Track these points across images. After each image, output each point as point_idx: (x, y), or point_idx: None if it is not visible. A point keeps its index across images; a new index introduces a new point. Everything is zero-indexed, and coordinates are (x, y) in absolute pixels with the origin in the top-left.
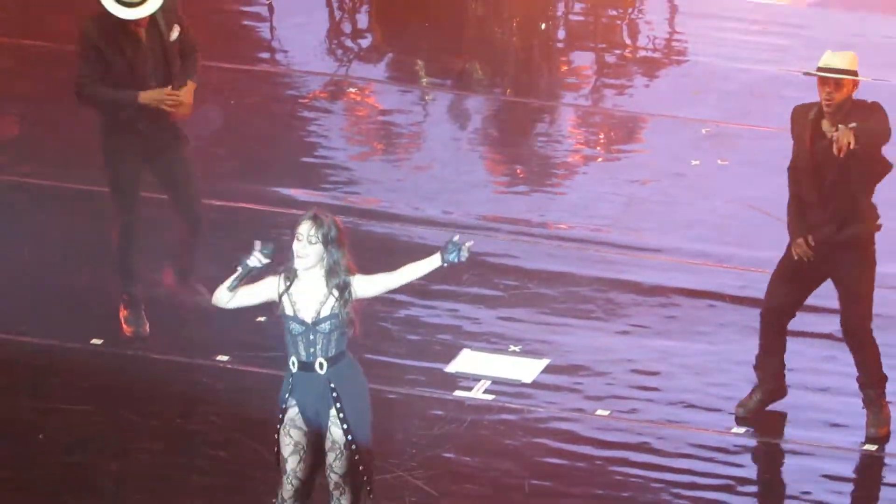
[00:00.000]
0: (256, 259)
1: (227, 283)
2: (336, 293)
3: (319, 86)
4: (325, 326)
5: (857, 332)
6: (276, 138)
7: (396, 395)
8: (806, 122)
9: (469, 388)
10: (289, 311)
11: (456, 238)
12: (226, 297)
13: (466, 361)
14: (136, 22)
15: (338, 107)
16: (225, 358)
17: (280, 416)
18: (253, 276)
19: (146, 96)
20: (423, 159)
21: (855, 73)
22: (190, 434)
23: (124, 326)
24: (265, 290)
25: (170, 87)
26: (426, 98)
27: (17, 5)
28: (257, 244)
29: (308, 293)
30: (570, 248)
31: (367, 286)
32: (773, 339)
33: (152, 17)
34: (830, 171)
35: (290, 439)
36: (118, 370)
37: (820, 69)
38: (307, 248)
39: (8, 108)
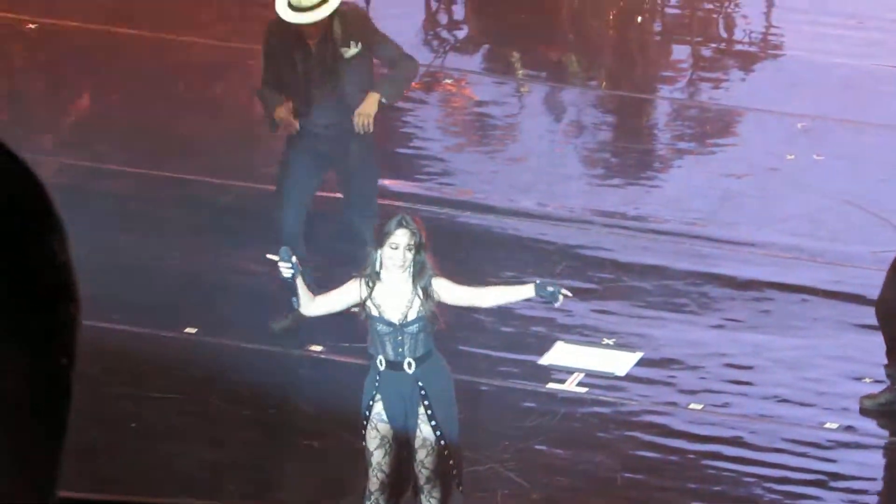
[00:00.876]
0: (286, 269)
1: (295, 301)
2: (422, 295)
3: (415, 77)
4: (413, 328)
5: None
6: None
7: (489, 387)
8: None
9: (562, 381)
10: (374, 313)
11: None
12: (306, 309)
13: (560, 354)
14: (308, 32)
15: (433, 98)
16: (319, 348)
17: (366, 411)
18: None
19: (279, 111)
20: (517, 151)
21: None
22: (283, 424)
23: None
24: (347, 295)
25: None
26: (521, 90)
27: None
28: (274, 257)
29: (394, 296)
30: (665, 242)
31: (448, 293)
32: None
33: (327, 28)
34: None
35: (377, 433)
36: (211, 359)
37: None
38: (406, 255)
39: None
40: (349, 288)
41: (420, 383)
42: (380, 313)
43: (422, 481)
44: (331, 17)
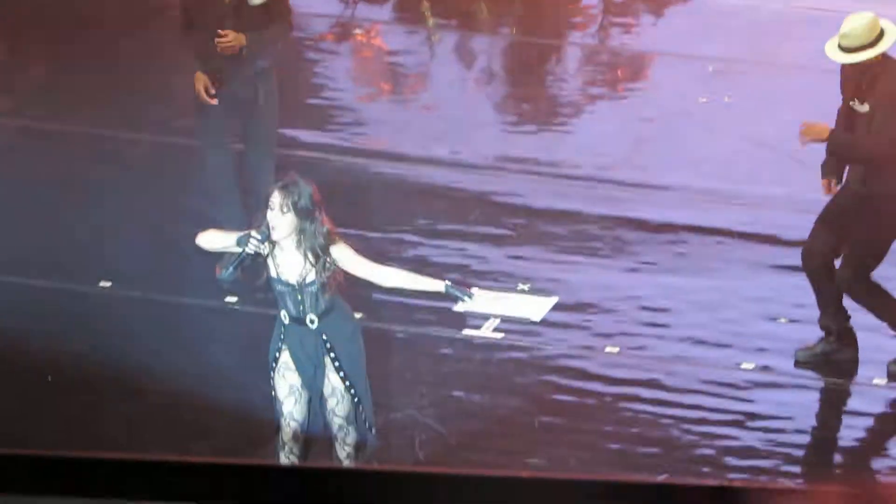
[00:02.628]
0: (253, 246)
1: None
2: (312, 260)
3: (325, 27)
4: (313, 287)
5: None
6: (282, 80)
7: (405, 334)
8: None
9: (478, 327)
10: (273, 274)
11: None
12: (207, 241)
13: (476, 300)
14: None
15: (344, 48)
16: (234, 299)
17: (273, 362)
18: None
19: (198, 83)
20: (429, 100)
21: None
22: (200, 376)
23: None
24: (228, 239)
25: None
26: (432, 38)
27: None
28: (252, 232)
29: (289, 258)
30: (578, 187)
31: (349, 262)
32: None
33: None
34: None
35: (285, 381)
36: (127, 312)
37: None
38: (279, 217)
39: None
40: (235, 236)
41: (324, 336)
42: (277, 274)
43: (334, 429)
44: None
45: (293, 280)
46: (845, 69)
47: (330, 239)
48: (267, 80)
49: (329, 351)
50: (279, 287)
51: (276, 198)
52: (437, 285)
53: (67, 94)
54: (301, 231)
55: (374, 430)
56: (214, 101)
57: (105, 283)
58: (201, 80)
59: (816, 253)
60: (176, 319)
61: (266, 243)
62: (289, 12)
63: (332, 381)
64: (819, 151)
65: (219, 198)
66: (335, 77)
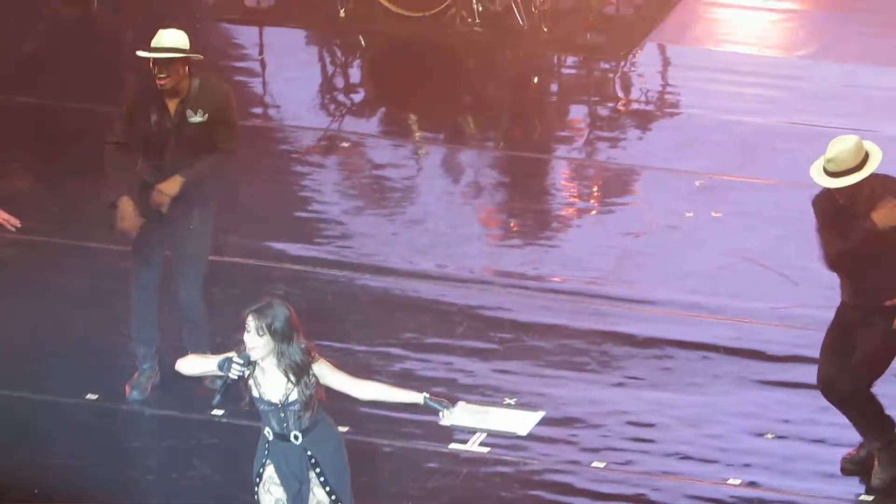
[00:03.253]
0: (237, 371)
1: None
2: (293, 379)
3: (312, 140)
4: (295, 406)
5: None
6: (269, 193)
7: (391, 447)
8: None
9: (464, 441)
10: (255, 394)
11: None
12: (187, 367)
13: (461, 414)
14: (169, 94)
15: (331, 161)
16: (221, 413)
17: (257, 477)
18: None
19: (124, 205)
20: (416, 213)
21: None
22: (186, 489)
23: (127, 387)
24: (208, 364)
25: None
26: (419, 152)
27: (11, 63)
28: (234, 355)
29: (271, 378)
30: (564, 301)
31: (330, 378)
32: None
33: (186, 94)
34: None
35: (271, 496)
36: (113, 425)
37: None
38: (255, 339)
39: (9, 163)
40: (215, 361)
41: (308, 452)
42: (259, 394)
43: None
44: (192, 82)
45: (276, 399)
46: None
47: (309, 358)
48: (205, 204)
49: (314, 466)
50: (262, 406)
51: (251, 321)
52: (416, 397)
53: (54, 206)
54: (279, 353)
55: None
56: (133, 231)
57: (92, 396)
58: (125, 214)
59: (831, 377)
60: (163, 431)
61: (249, 365)
62: (232, 136)
63: (318, 496)
64: (804, 267)
65: (138, 312)
66: (321, 190)
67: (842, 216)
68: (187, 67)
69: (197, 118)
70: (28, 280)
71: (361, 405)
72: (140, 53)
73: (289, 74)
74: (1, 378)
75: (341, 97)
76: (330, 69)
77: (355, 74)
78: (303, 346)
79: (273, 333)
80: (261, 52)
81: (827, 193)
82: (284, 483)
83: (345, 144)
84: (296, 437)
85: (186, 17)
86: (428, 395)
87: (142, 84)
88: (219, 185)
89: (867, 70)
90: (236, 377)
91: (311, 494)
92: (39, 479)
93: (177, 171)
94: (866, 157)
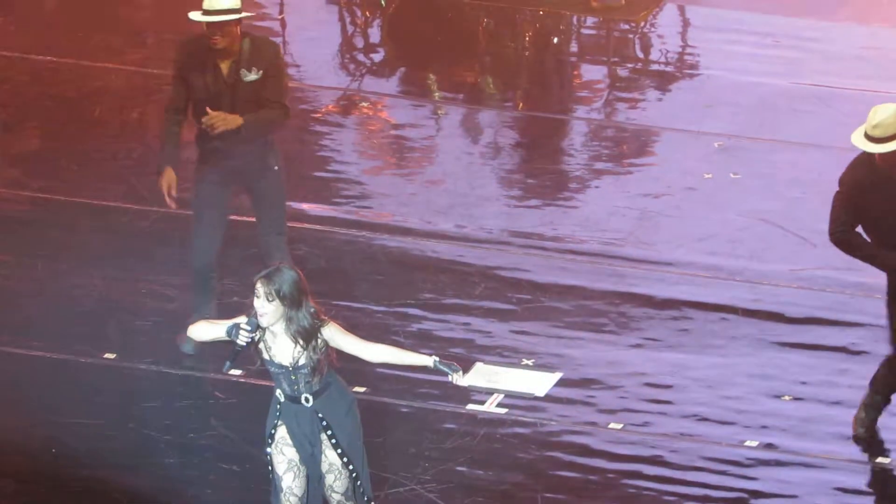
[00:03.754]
0: (245, 338)
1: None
2: (302, 343)
3: (332, 100)
4: (305, 370)
5: None
6: (288, 153)
7: (409, 408)
8: None
9: (482, 402)
10: (266, 357)
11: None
12: (198, 332)
13: (479, 375)
14: (221, 54)
15: (350, 121)
16: (238, 372)
17: (269, 438)
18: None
19: (167, 176)
20: (435, 173)
21: None
22: (203, 448)
23: (177, 338)
24: (218, 330)
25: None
26: (438, 112)
27: (36, 22)
28: (242, 321)
29: (280, 342)
30: (583, 262)
31: (341, 341)
32: None
33: (237, 53)
34: None
35: (284, 457)
36: (131, 384)
37: None
38: (265, 305)
39: (26, 123)
40: (226, 325)
41: (320, 414)
42: (270, 357)
43: (335, 500)
44: (243, 42)
45: (286, 362)
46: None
47: (318, 321)
48: (273, 153)
49: (325, 429)
50: (273, 369)
51: (260, 287)
52: (426, 360)
53: (73, 165)
54: (288, 317)
55: None
56: (173, 205)
57: (109, 355)
58: (167, 180)
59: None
60: (182, 391)
61: (257, 330)
62: (285, 91)
63: (330, 458)
64: (823, 230)
65: (195, 279)
66: (341, 150)
67: (878, 187)
68: (238, 27)
69: (252, 76)
70: (44, 239)
71: (377, 366)
72: (192, 16)
73: (308, 34)
74: (17, 337)
75: (361, 57)
76: (349, 29)
77: (375, 34)
78: (312, 310)
79: (282, 298)
80: (281, 12)
81: (861, 164)
82: (297, 445)
83: (364, 104)
84: (307, 400)
85: None
86: (438, 359)
87: (191, 46)
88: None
89: (890, 32)
90: (244, 344)
91: (322, 457)
92: (55, 439)
93: (238, 135)
94: None
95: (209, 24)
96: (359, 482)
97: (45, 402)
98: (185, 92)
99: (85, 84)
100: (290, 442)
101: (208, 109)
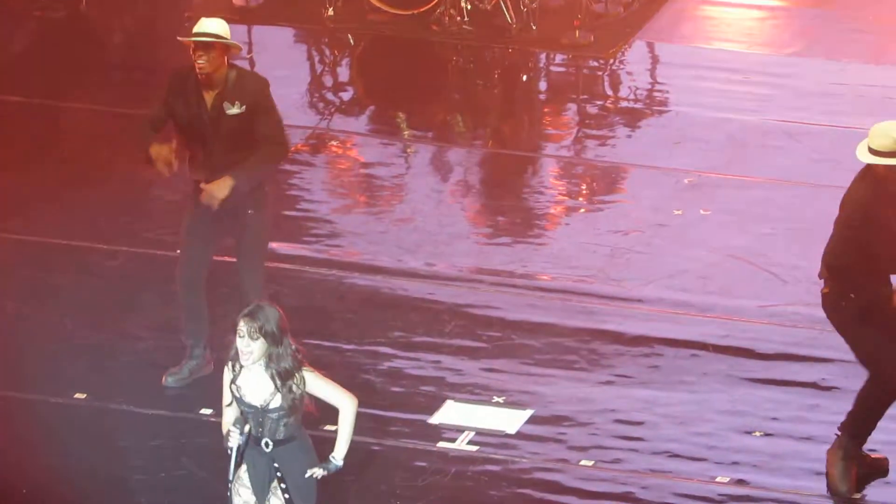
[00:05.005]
0: (236, 440)
1: (231, 474)
2: (279, 382)
3: (301, 139)
4: (275, 414)
5: None
6: None
7: (380, 446)
8: None
9: (453, 440)
10: (237, 395)
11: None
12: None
13: (450, 413)
14: (207, 84)
15: (319, 160)
16: (209, 411)
17: (230, 476)
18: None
19: (154, 149)
20: (404, 212)
21: None
22: (172, 489)
23: (164, 376)
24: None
25: (174, 144)
26: (408, 150)
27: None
28: (229, 431)
29: (256, 382)
30: (553, 299)
31: (317, 386)
32: None
33: (224, 84)
34: None
35: (240, 498)
36: (100, 424)
37: None
38: (250, 344)
39: None
40: (226, 379)
41: (276, 464)
42: (241, 395)
43: None
44: (229, 73)
45: (257, 403)
46: None
47: (298, 362)
48: (259, 194)
49: (280, 480)
50: (243, 407)
51: (243, 325)
52: (337, 453)
53: (42, 205)
54: (269, 355)
55: None
56: (166, 174)
57: (80, 395)
58: (156, 150)
59: None
60: (152, 431)
61: (231, 368)
62: (275, 125)
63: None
64: (793, 266)
65: (186, 308)
66: (310, 189)
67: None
68: (225, 58)
69: (234, 109)
70: (17, 279)
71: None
72: (180, 38)
73: (278, 73)
74: None
75: (330, 95)
76: (318, 67)
77: (344, 73)
78: (293, 348)
79: (265, 335)
80: (249, 51)
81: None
82: (253, 485)
83: (333, 143)
84: (266, 445)
85: (175, 16)
86: (338, 462)
87: (180, 75)
88: (269, 174)
89: (856, 67)
90: (239, 444)
91: (267, 501)
92: (25, 478)
93: (220, 164)
94: None
95: (195, 45)
96: None
97: (17, 441)
98: (166, 116)
99: (54, 123)
100: (246, 483)
101: (202, 186)
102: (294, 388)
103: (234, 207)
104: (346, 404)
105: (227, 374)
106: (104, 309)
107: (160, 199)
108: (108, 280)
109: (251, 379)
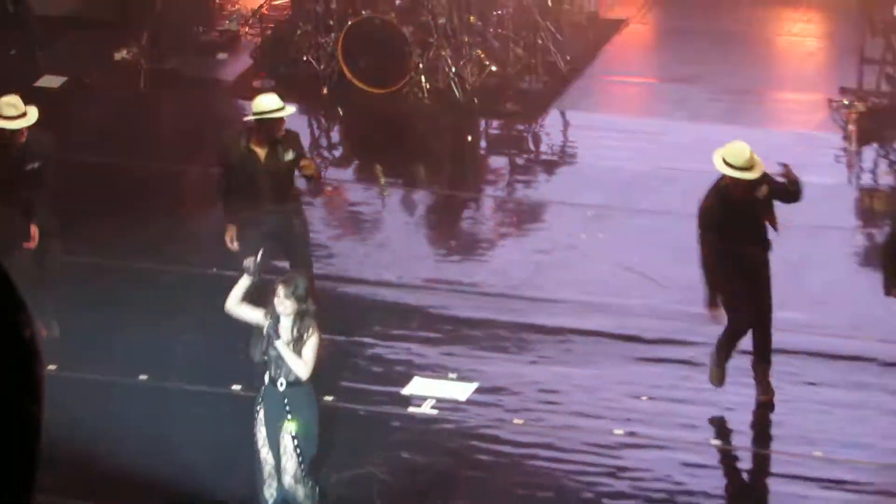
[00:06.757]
0: (249, 272)
1: (237, 292)
2: (297, 335)
3: (303, 185)
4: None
5: None
6: None
7: (365, 411)
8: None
9: (419, 405)
10: (268, 342)
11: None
12: (229, 304)
13: (417, 386)
14: (260, 146)
15: (318, 201)
16: (238, 387)
17: (255, 415)
18: (254, 295)
19: (228, 234)
20: (382, 238)
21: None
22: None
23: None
24: (255, 315)
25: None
26: (384, 193)
27: (79, 131)
28: (248, 262)
29: (283, 329)
30: (491, 301)
31: (308, 345)
32: None
33: (274, 146)
34: None
35: (261, 434)
36: (163, 398)
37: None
38: (284, 301)
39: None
40: (259, 313)
41: (286, 400)
42: (270, 343)
43: (285, 483)
44: (276, 131)
45: (279, 349)
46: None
47: (314, 322)
48: (299, 214)
49: (287, 413)
50: (271, 351)
51: (281, 288)
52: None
53: (106, 235)
54: (297, 311)
55: (317, 490)
56: (236, 247)
57: (143, 376)
58: (230, 231)
59: None
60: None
61: (270, 316)
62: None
63: (285, 441)
64: (668, 275)
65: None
66: (312, 221)
67: (733, 207)
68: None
69: (289, 156)
70: (97, 293)
71: (345, 379)
72: (252, 118)
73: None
74: (72, 363)
75: (326, 153)
76: (317, 132)
77: (335, 136)
78: (314, 308)
79: (297, 298)
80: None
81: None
82: (268, 423)
83: (328, 188)
84: (280, 385)
85: (214, 94)
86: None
87: (233, 140)
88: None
89: (712, 127)
90: (255, 273)
91: (280, 439)
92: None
93: (279, 201)
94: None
95: (271, 120)
96: (303, 467)
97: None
98: (232, 177)
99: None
100: (265, 423)
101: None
102: (304, 336)
103: (282, 220)
104: (301, 371)
105: (265, 319)
106: (161, 312)
107: (201, 228)
108: (164, 291)
109: (280, 327)
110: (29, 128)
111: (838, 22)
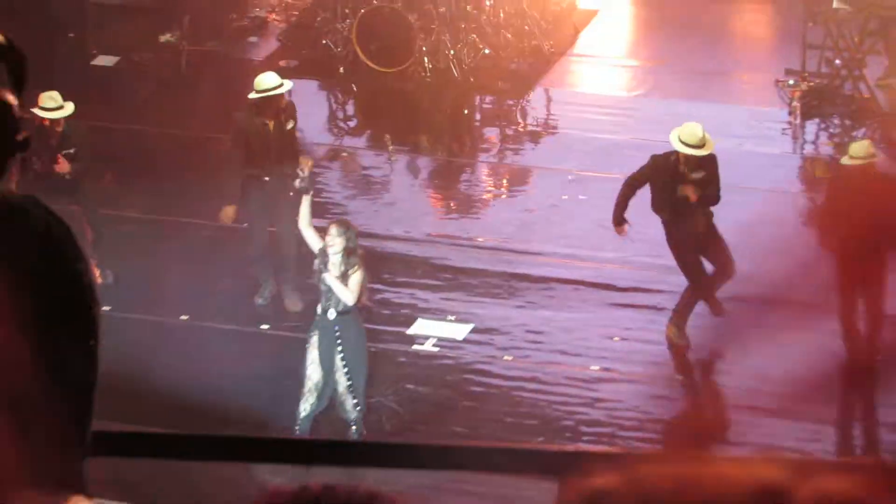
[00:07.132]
0: (306, 185)
1: (305, 211)
2: (343, 270)
3: (323, 152)
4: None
5: None
6: None
7: (376, 348)
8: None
9: (422, 343)
10: (321, 276)
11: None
12: (306, 223)
13: (420, 326)
14: (268, 115)
15: (335, 165)
16: (266, 326)
17: (309, 339)
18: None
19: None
20: (390, 198)
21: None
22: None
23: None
24: (317, 241)
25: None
26: (392, 159)
27: (131, 104)
28: (300, 181)
29: (333, 265)
30: (485, 253)
31: (353, 278)
32: None
33: (279, 113)
34: None
35: (311, 356)
36: (201, 338)
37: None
38: (335, 240)
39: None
40: (319, 242)
41: (336, 328)
42: (322, 277)
43: (337, 395)
44: (280, 104)
45: (329, 283)
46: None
47: (359, 260)
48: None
49: (338, 341)
50: (322, 286)
51: (333, 228)
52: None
53: (152, 192)
54: (345, 249)
55: (360, 407)
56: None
57: (184, 317)
58: (228, 211)
59: None
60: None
61: (322, 254)
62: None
63: (336, 362)
64: (638, 231)
65: (257, 261)
66: (329, 184)
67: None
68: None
69: (290, 125)
70: (144, 245)
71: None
72: (258, 95)
73: (307, 110)
74: (124, 305)
75: (342, 124)
76: (334, 106)
77: (350, 109)
78: (360, 251)
79: (347, 238)
80: (290, 95)
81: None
82: (320, 347)
83: (344, 154)
84: (332, 314)
85: (243, 74)
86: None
87: (247, 117)
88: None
89: (682, 102)
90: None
91: (333, 361)
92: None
93: (281, 165)
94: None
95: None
96: (352, 386)
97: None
98: (242, 142)
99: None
100: (316, 345)
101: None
102: (349, 271)
103: (282, 183)
104: (347, 298)
105: (318, 263)
106: (199, 265)
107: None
108: (197, 247)
109: (329, 262)
110: (66, 119)
111: (784, 12)
